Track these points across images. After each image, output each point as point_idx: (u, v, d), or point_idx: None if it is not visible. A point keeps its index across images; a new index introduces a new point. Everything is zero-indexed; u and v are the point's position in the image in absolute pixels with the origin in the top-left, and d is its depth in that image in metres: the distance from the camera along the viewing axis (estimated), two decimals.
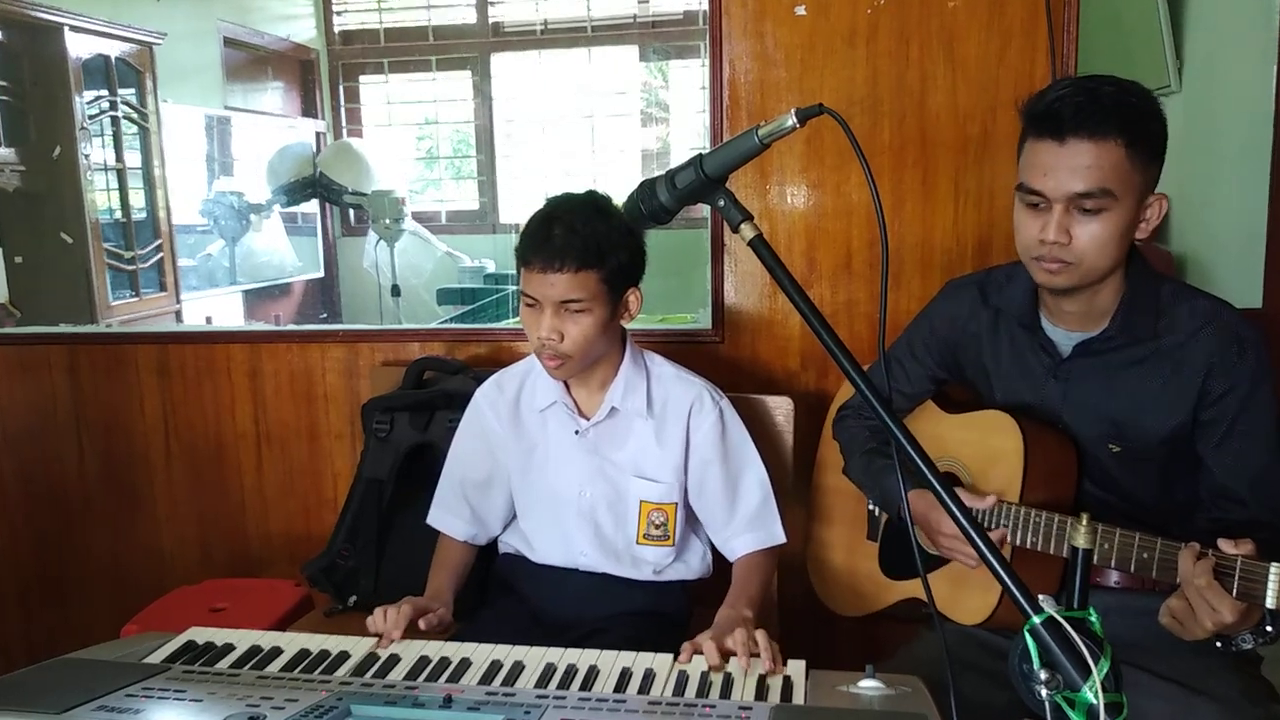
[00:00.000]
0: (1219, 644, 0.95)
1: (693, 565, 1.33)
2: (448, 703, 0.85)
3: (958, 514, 0.69)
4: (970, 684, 1.09)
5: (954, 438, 1.22)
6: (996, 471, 1.14)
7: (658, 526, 1.28)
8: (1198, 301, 1.07)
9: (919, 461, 0.71)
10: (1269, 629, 0.92)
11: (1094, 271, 1.04)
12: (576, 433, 1.27)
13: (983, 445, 1.17)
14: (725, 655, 0.98)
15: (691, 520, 1.32)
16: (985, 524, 1.13)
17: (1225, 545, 0.90)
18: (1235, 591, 0.89)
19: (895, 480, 1.24)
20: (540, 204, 1.22)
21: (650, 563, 1.29)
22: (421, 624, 1.09)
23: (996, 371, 1.20)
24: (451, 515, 1.35)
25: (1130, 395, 1.09)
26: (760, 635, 0.98)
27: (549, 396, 1.28)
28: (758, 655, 0.96)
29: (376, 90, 4.27)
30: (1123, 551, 0.99)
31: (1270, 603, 0.87)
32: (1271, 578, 0.87)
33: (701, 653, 0.99)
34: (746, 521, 1.28)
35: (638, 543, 1.28)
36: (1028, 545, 1.08)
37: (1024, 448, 1.11)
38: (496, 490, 1.35)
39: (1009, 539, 1.10)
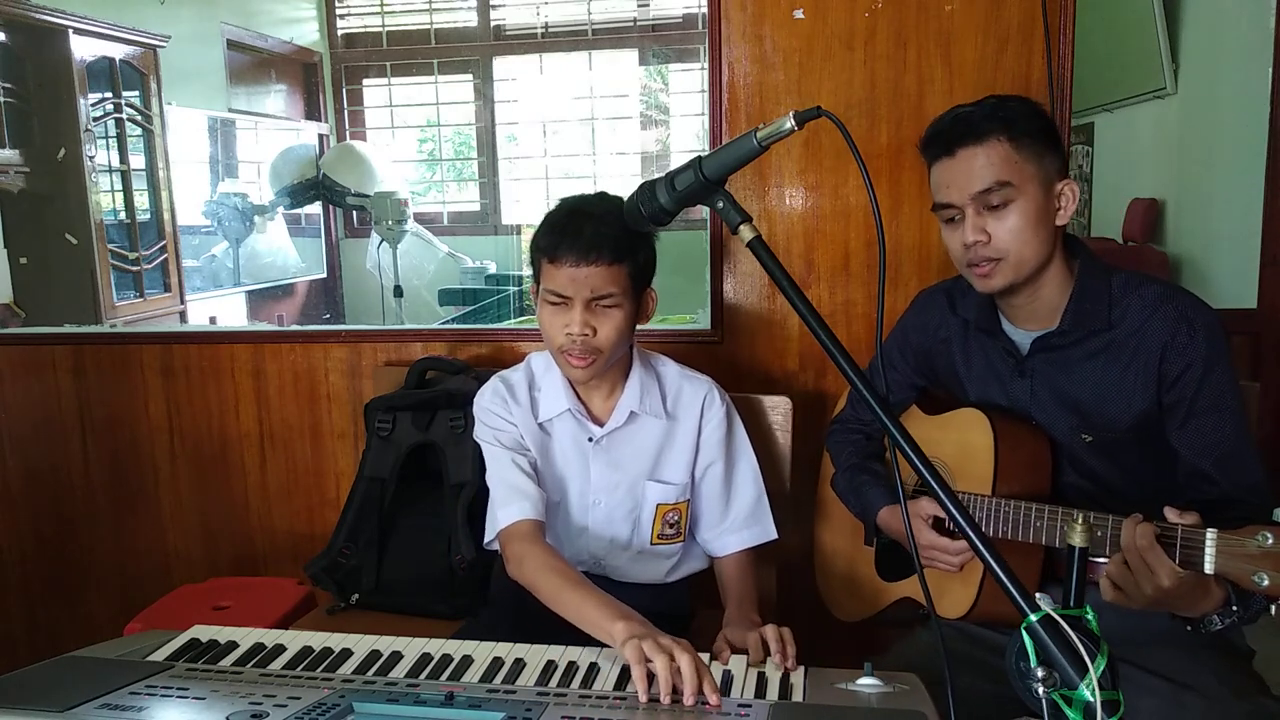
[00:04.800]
0: (1189, 627, 0.97)
1: (699, 556, 1.33)
2: (449, 700, 0.86)
3: (953, 509, 0.70)
4: (961, 678, 1.09)
5: (933, 438, 1.24)
6: (971, 467, 1.16)
7: (671, 525, 1.28)
8: (1148, 288, 1.10)
9: (915, 460, 0.72)
10: (1235, 608, 0.93)
11: (1024, 263, 1.09)
12: (590, 440, 1.25)
13: (958, 443, 1.20)
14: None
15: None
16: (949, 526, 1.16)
17: (1170, 514, 0.91)
18: (1177, 559, 0.89)
19: (873, 494, 1.28)
20: (542, 205, 1.22)
21: (664, 559, 1.29)
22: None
23: (968, 376, 1.23)
24: (517, 501, 1.17)
25: (1093, 386, 1.12)
26: (786, 633, 1.00)
27: (559, 404, 1.24)
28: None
29: (379, 93, 4.29)
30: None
31: (1208, 568, 0.87)
32: (1208, 542, 0.87)
33: (737, 649, 1.00)
34: (742, 519, 1.28)
35: (651, 543, 1.28)
36: (999, 535, 1.10)
37: (994, 441, 1.14)
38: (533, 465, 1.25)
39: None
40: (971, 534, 0.69)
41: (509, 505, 1.18)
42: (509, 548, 1.17)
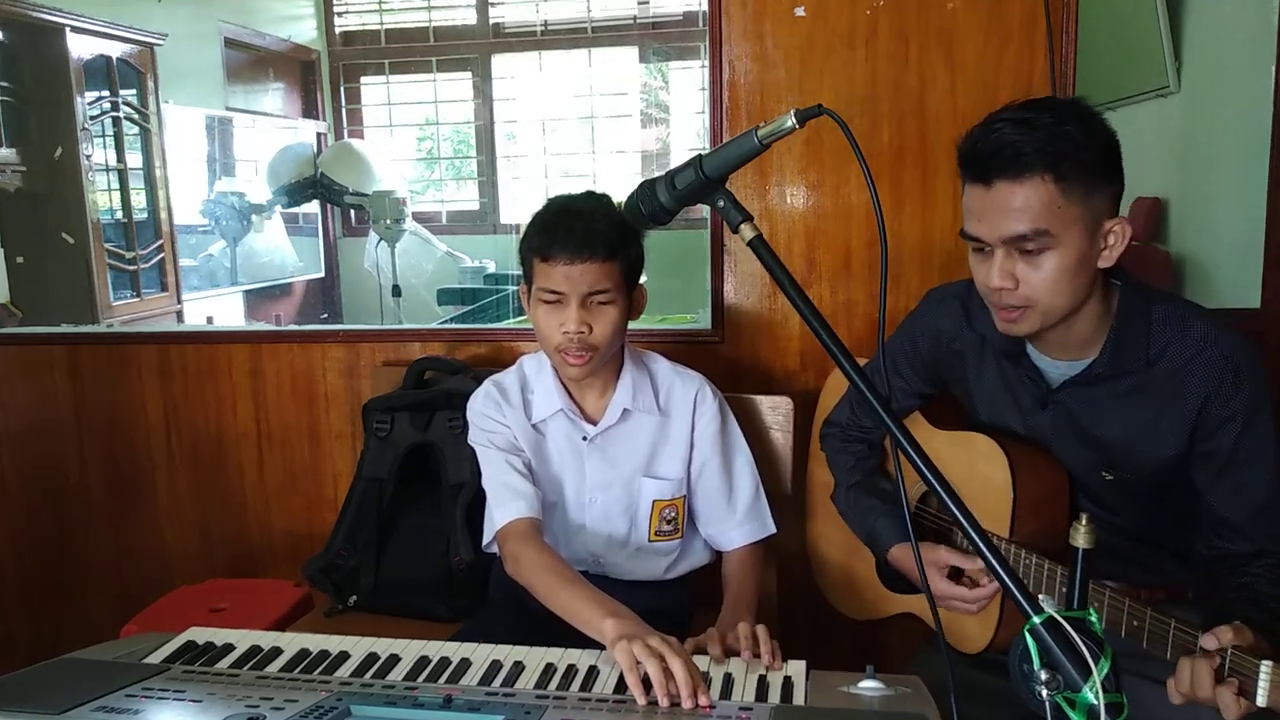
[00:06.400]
0: None
1: (698, 552, 1.33)
2: (448, 703, 0.85)
3: (967, 525, 0.68)
4: (977, 707, 1.08)
5: (938, 454, 1.19)
6: (985, 501, 1.11)
7: (669, 522, 1.28)
8: (1191, 325, 1.02)
9: (925, 470, 0.70)
10: None
11: (1054, 311, 0.99)
12: (585, 439, 1.26)
13: (968, 468, 1.14)
14: (728, 653, 0.99)
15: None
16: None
17: (1208, 643, 0.86)
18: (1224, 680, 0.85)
19: (882, 526, 1.22)
20: (540, 205, 1.22)
21: (663, 556, 1.30)
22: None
23: (981, 394, 1.17)
24: (513, 500, 1.18)
25: (1122, 426, 1.05)
26: (761, 630, 0.99)
27: (552, 405, 1.25)
28: (758, 656, 0.97)
29: (377, 91, 4.28)
30: (1112, 614, 0.96)
31: (1260, 701, 0.82)
32: (1262, 676, 0.82)
33: (704, 650, 0.99)
34: (744, 514, 1.29)
35: (650, 540, 1.28)
36: None
37: (1012, 480, 1.07)
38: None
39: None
40: (979, 541, 0.68)
41: (505, 505, 1.19)
42: (506, 547, 1.18)
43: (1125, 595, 0.96)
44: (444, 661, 0.96)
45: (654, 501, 1.27)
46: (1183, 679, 0.87)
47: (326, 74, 4.21)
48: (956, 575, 1.14)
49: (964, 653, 1.15)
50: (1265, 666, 0.82)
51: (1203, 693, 0.85)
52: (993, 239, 0.98)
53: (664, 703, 0.85)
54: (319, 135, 4.15)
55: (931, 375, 1.24)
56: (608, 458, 1.26)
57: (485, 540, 1.27)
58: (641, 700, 0.86)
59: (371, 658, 0.98)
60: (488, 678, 0.93)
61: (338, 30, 4.24)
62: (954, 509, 0.69)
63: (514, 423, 1.26)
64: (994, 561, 0.67)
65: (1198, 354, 1.00)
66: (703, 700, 0.86)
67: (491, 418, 1.26)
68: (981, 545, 0.68)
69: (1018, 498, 1.08)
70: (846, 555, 1.39)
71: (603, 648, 0.97)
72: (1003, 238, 0.97)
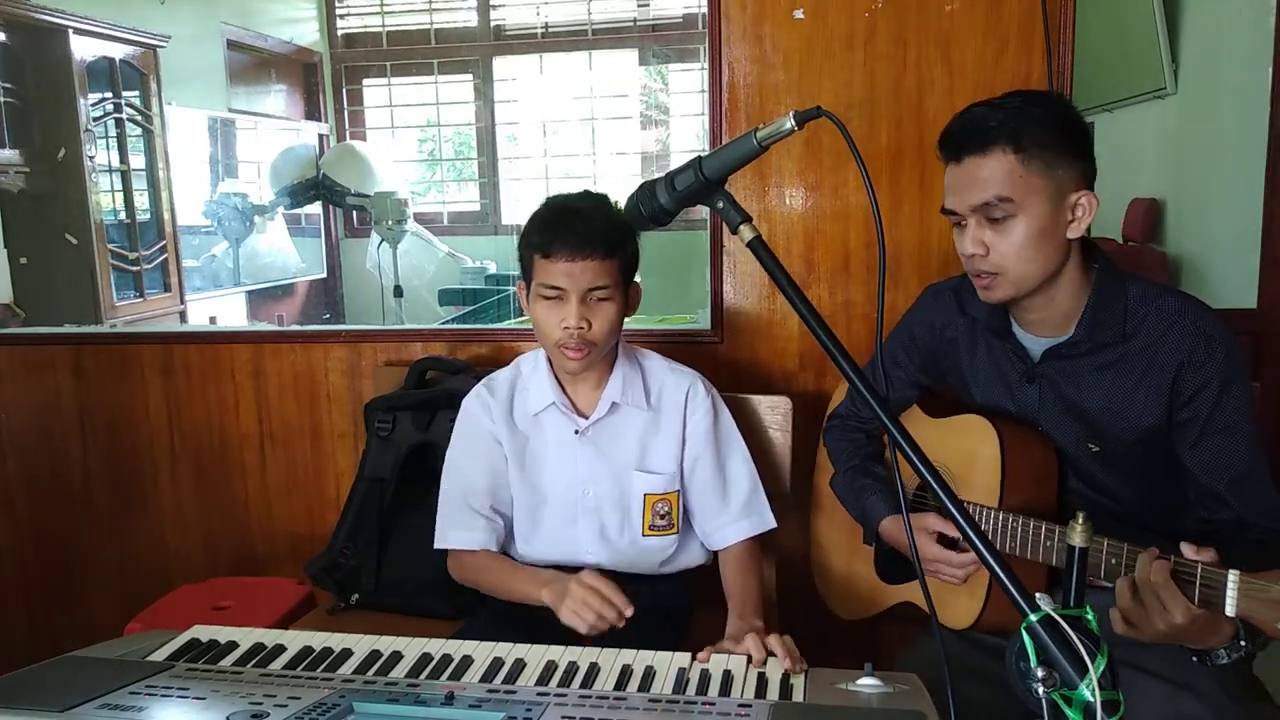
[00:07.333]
0: (1194, 658, 0.94)
1: (694, 551, 1.34)
2: (449, 700, 0.86)
3: (955, 511, 0.69)
4: (973, 689, 1.09)
5: (935, 442, 1.21)
6: (976, 477, 1.15)
7: (662, 516, 1.29)
8: (1165, 300, 1.07)
9: (920, 466, 0.71)
10: (1243, 642, 0.90)
11: (1025, 278, 1.06)
12: (576, 432, 1.27)
13: (962, 449, 1.18)
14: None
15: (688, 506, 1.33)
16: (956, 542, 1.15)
17: (1187, 550, 0.88)
18: (1196, 599, 0.86)
19: (874, 501, 1.26)
20: (539, 204, 1.23)
21: (657, 551, 1.30)
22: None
23: (974, 378, 1.21)
24: (465, 530, 1.27)
25: (1102, 398, 1.09)
26: (790, 641, 1.00)
27: (544, 399, 1.27)
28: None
29: (379, 93, 4.29)
30: (1091, 557, 0.97)
31: (1229, 610, 0.84)
32: (1229, 584, 0.84)
33: (728, 650, 1.00)
34: (740, 509, 1.29)
35: (644, 535, 1.29)
36: (1006, 550, 1.08)
37: (1000, 453, 1.11)
38: (502, 492, 1.30)
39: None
40: (975, 538, 0.68)
41: (462, 529, 1.27)
42: (453, 559, 1.30)
43: (1104, 537, 0.98)
44: (446, 659, 0.97)
45: (645, 495, 1.28)
46: (1141, 569, 0.89)
47: (328, 76, 4.22)
48: (946, 543, 1.17)
49: (955, 630, 1.17)
50: (1233, 575, 0.84)
51: (1157, 577, 0.87)
52: (963, 209, 1.06)
53: (604, 627, 1.04)
54: (321, 137, 4.16)
55: (928, 366, 1.28)
56: (599, 451, 1.27)
57: (436, 544, 1.29)
58: (604, 626, 1.05)
59: (374, 655, 0.98)
60: (489, 675, 0.93)
61: (339, 32, 4.26)
62: (950, 507, 0.70)
63: (499, 422, 1.28)
64: (990, 558, 0.68)
65: (1171, 326, 1.05)
66: (627, 612, 1.05)
67: (477, 418, 1.28)
68: (977, 541, 0.68)
69: (1006, 471, 1.11)
70: (847, 557, 1.40)
71: (604, 644, 0.99)
72: (971, 206, 1.05)
